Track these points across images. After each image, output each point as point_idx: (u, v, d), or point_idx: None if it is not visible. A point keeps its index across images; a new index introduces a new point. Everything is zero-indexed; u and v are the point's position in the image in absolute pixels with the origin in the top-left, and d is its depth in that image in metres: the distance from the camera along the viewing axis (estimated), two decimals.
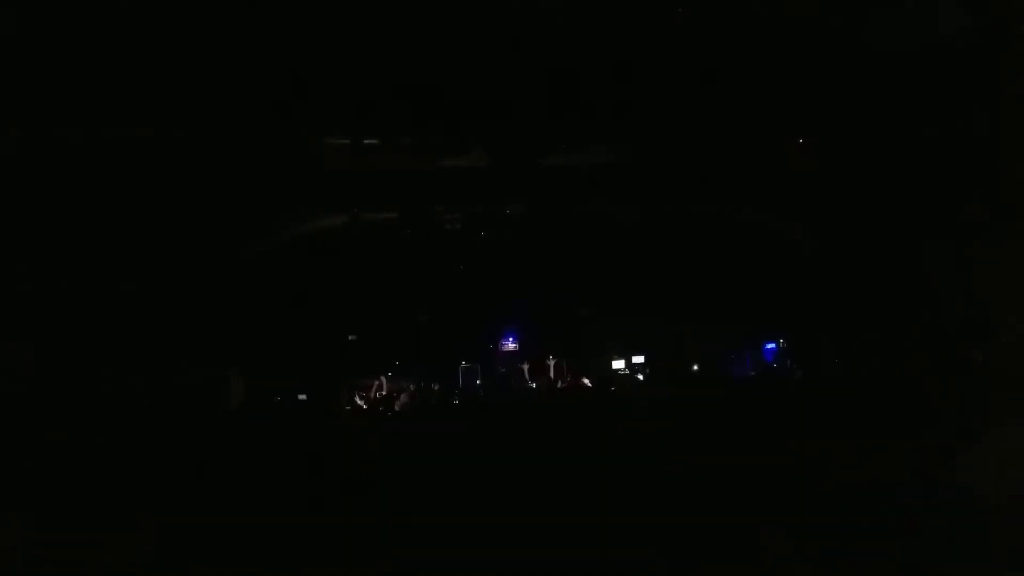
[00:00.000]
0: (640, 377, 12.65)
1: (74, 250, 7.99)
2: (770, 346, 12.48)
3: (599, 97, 7.31)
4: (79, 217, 7.89)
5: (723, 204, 10.23)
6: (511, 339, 13.91)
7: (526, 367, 13.28)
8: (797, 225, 10.44)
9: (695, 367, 12.47)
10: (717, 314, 12.01)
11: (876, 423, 5.78)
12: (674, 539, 4.36)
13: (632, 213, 10.65)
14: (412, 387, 12.62)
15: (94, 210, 7.99)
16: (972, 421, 5.03)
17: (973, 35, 5.39)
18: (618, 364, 13.42)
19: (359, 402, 11.87)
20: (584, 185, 9.61)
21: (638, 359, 13.27)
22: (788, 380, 10.32)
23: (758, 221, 10.69)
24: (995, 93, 5.66)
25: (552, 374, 13.11)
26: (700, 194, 9.88)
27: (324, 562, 4.47)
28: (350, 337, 13.01)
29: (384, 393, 11.85)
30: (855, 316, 9.15)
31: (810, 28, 5.75)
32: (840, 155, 8.04)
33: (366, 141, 8.51)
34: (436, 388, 12.85)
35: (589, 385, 11.67)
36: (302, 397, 11.36)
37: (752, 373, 12.23)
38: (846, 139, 7.77)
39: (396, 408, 11.41)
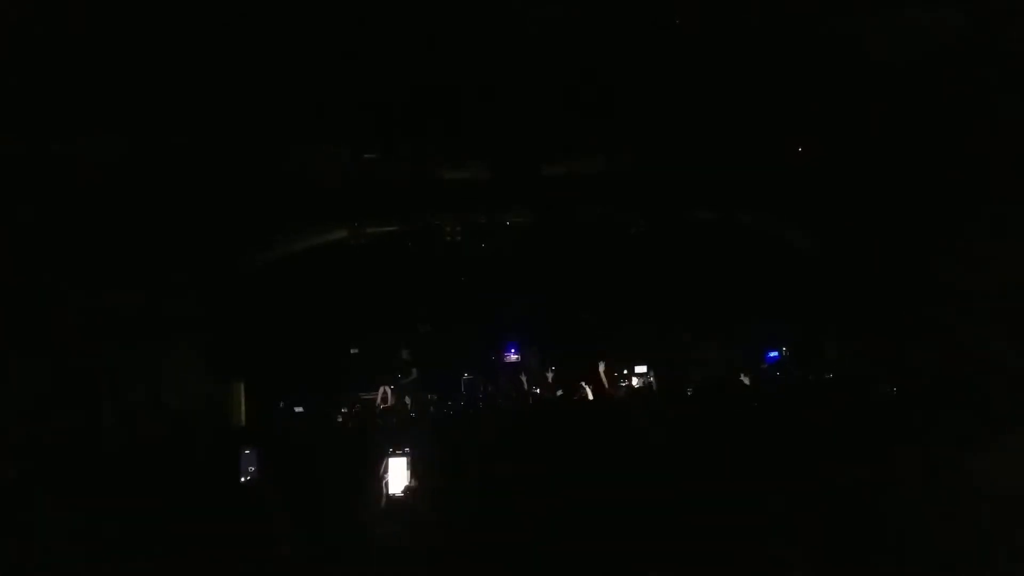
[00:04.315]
0: (652, 380, 12.59)
1: (75, 261, 8.00)
2: (772, 354, 12.51)
3: (600, 105, 7.36)
4: (81, 228, 7.91)
5: (725, 210, 10.29)
6: (512, 350, 13.91)
7: (525, 378, 13.28)
8: (796, 230, 10.50)
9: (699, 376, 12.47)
10: (722, 322, 12.05)
11: (877, 424, 5.81)
12: (673, 543, 4.38)
13: (635, 220, 10.68)
14: (409, 399, 12.56)
15: (97, 222, 8.01)
16: (972, 421, 5.07)
17: (972, 36, 5.45)
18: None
19: (352, 412, 11.75)
20: (586, 193, 9.66)
21: (640, 369, 13.25)
22: (788, 384, 10.35)
23: (760, 227, 10.74)
24: (994, 95, 5.72)
25: (551, 382, 13.10)
26: (702, 200, 9.94)
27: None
28: (352, 351, 13.04)
29: (389, 404, 11.77)
30: (857, 319, 9.19)
31: (811, 31, 5.81)
32: (842, 159, 8.10)
33: (367, 155, 8.56)
34: (432, 398, 12.83)
35: (589, 396, 11.58)
36: (299, 409, 11.40)
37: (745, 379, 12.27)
38: (847, 143, 7.83)
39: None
